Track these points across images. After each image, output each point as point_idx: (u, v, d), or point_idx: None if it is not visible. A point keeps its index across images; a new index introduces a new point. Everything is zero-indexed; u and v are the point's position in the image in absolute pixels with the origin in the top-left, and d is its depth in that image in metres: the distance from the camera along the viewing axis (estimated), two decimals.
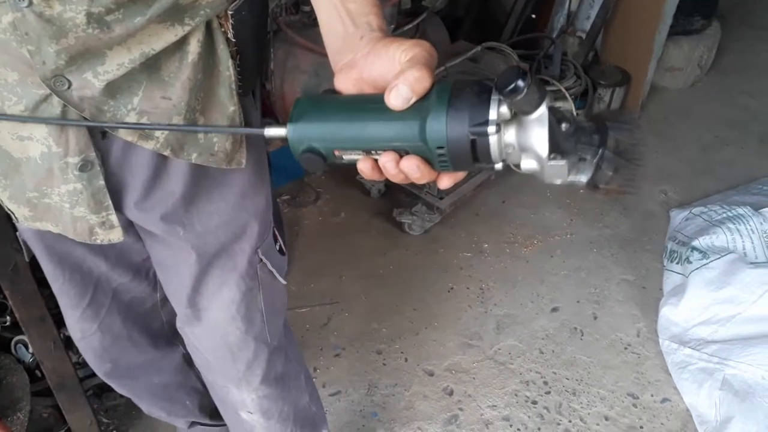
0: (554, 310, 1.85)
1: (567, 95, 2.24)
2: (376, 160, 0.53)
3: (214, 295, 0.88)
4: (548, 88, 2.36)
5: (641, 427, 1.56)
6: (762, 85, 2.87)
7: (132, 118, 0.64)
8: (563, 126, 0.49)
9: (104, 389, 1.46)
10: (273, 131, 0.56)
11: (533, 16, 2.54)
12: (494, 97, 0.48)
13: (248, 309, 0.90)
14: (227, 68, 0.68)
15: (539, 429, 1.55)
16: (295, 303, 1.80)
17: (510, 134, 0.50)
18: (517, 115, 0.49)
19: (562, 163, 0.49)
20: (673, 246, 1.93)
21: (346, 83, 0.56)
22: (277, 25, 1.90)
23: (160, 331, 1.08)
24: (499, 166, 0.52)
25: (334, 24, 0.59)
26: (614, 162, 0.49)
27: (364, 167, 0.54)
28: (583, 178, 0.50)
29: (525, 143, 0.50)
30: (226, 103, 0.70)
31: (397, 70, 0.52)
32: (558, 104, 0.50)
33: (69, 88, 0.59)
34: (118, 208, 0.73)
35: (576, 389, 1.64)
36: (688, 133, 2.57)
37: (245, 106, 0.74)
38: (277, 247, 0.94)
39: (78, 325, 0.95)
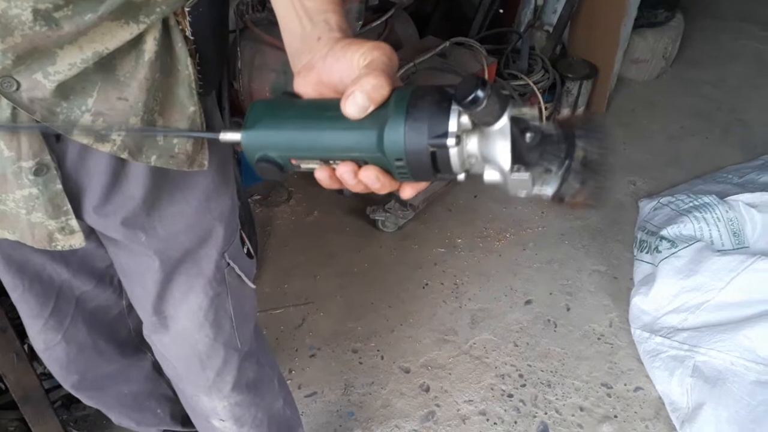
0: (528, 302, 1.86)
1: (537, 91, 2.25)
2: (334, 170, 0.51)
3: (180, 302, 0.86)
4: (515, 83, 2.35)
5: (615, 416, 1.58)
6: (725, 75, 2.94)
7: (87, 120, 0.61)
8: (527, 136, 0.47)
9: (73, 400, 1.43)
10: (228, 136, 0.53)
11: (500, 11, 2.55)
12: (455, 107, 0.46)
13: (216, 315, 0.88)
14: (186, 67, 0.66)
15: (515, 422, 1.56)
16: (268, 304, 1.77)
17: (472, 144, 0.48)
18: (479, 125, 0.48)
19: (525, 176, 0.47)
20: (642, 236, 1.96)
21: (305, 87, 0.54)
22: (243, 23, 1.87)
23: (128, 339, 1.05)
24: (461, 177, 0.50)
25: (291, 23, 0.56)
26: (581, 174, 0.47)
27: (322, 177, 0.52)
28: (549, 191, 0.49)
29: (487, 154, 0.48)
30: (186, 103, 0.68)
31: (355, 75, 0.49)
32: (523, 110, 0.48)
33: (18, 89, 0.57)
34: (78, 213, 0.70)
35: (551, 381, 1.65)
36: (655, 124, 2.61)
37: (207, 106, 0.72)
38: (245, 250, 0.92)
39: (41, 336, 0.92)
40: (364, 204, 2.09)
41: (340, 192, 2.20)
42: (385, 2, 2.24)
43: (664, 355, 1.65)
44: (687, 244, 1.75)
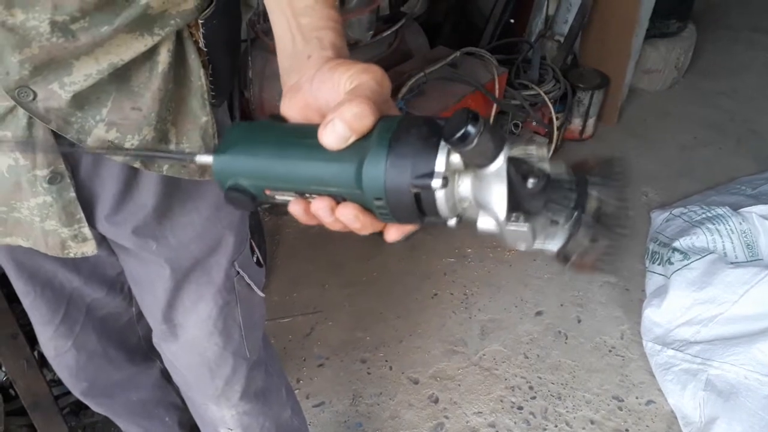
0: (538, 314, 1.85)
1: (548, 101, 2.24)
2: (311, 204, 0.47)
3: (190, 311, 0.86)
4: (525, 93, 2.32)
5: (627, 430, 1.56)
6: (738, 85, 2.91)
7: (101, 130, 0.62)
8: (530, 182, 0.40)
9: (81, 407, 1.43)
10: (203, 159, 0.48)
11: (511, 21, 2.55)
12: (444, 144, 0.40)
13: (226, 324, 0.88)
14: (199, 78, 0.67)
15: None
16: (277, 313, 1.77)
17: (465, 186, 0.42)
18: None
19: (524, 227, 0.40)
20: (654, 247, 1.94)
21: (292, 109, 0.49)
22: (255, 33, 1.88)
23: (137, 346, 1.05)
24: (452, 222, 0.44)
25: (284, 40, 0.53)
26: (593, 229, 0.40)
27: (296, 211, 0.47)
28: (553, 247, 0.41)
29: (481, 199, 0.41)
30: (199, 114, 0.68)
31: (340, 100, 0.44)
32: (529, 150, 0.41)
33: (34, 99, 0.57)
34: (90, 221, 0.71)
35: (561, 393, 1.63)
36: (667, 135, 2.60)
37: (218, 116, 0.72)
38: (255, 259, 0.92)
39: (51, 342, 0.92)
40: None
41: None
42: (395, 12, 2.25)
43: (677, 368, 1.62)
44: (700, 256, 1.73)
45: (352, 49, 2.14)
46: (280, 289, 1.87)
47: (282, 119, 0.50)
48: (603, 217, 0.41)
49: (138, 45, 0.60)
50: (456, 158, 0.41)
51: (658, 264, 1.87)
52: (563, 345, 1.76)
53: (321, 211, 0.45)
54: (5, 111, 0.59)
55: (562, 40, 2.53)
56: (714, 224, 1.84)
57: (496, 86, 2.13)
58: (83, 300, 0.91)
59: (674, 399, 1.60)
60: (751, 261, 1.78)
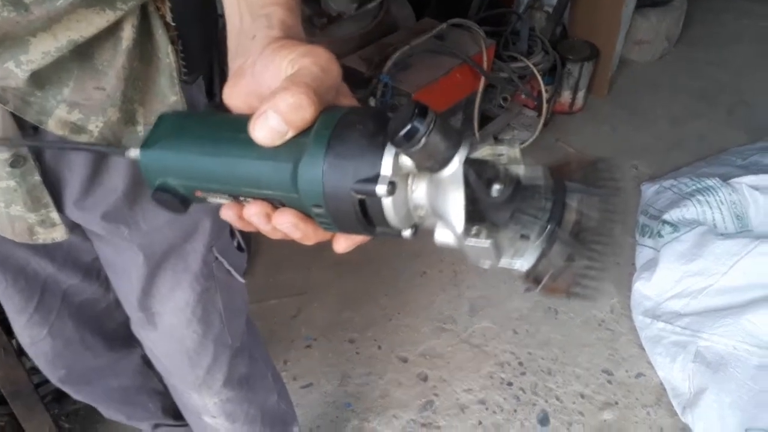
0: (528, 289, 1.83)
1: (537, 73, 2.20)
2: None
3: (167, 298, 0.83)
4: (514, 65, 2.28)
5: (616, 403, 1.56)
6: (728, 56, 2.88)
7: (62, 111, 0.59)
8: (494, 188, 0.33)
9: (63, 394, 1.40)
10: (134, 153, 0.42)
11: None
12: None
13: (205, 311, 0.86)
14: (167, 55, 0.63)
15: (515, 410, 1.54)
16: (262, 296, 1.75)
17: (420, 192, 0.36)
18: None
19: (485, 243, 0.34)
20: (644, 220, 1.92)
21: (235, 98, 0.44)
22: None
23: (116, 333, 1.03)
24: (406, 234, 0.38)
25: (233, 19, 0.47)
26: (569, 247, 0.34)
27: (229, 216, 0.42)
28: (522, 266, 0.35)
29: (437, 208, 0.36)
30: (167, 93, 0.65)
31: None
32: (498, 150, 0.34)
33: None
34: (59, 206, 0.68)
35: (551, 369, 1.63)
36: (658, 107, 2.57)
37: (192, 95, 0.69)
38: (235, 244, 0.90)
39: (26, 330, 0.90)
40: None
41: None
42: None
43: (666, 340, 1.62)
44: (689, 228, 1.72)
45: (335, 23, 2.09)
46: (265, 272, 1.84)
47: (224, 109, 0.44)
48: (582, 232, 0.34)
49: (99, 20, 0.56)
50: (406, 160, 0.35)
51: (648, 237, 1.85)
52: (553, 320, 1.75)
53: (255, 217, 0.40)
54: None
55: (551, 11, 2.48)
56: (704, 195, 1.82)
57: (484, 59, 2.09)
58: (58, 287, 0.88)
59: (664, 371, 1.59)
60: (740, 232, 1.77)
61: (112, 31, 0.58)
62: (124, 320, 1.00)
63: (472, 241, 0.34)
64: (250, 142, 0.37)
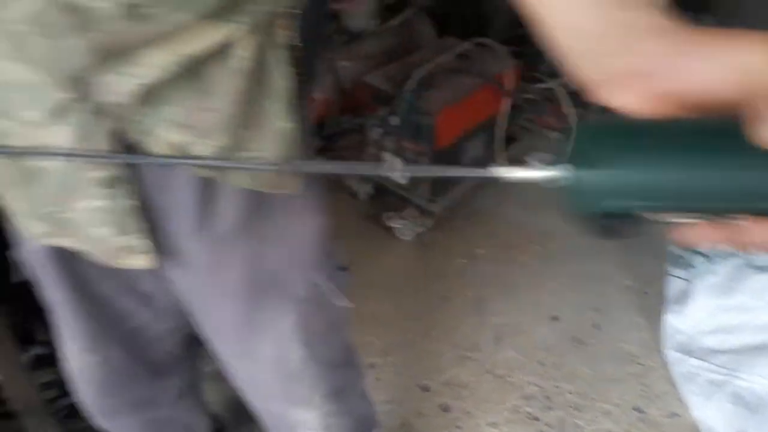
0: (554, 318, 1.77)
1: (564, 95, 2.16)
2: (728, 226, 0.36)
3: (270, 327, 0.78)
4: (540, 86, 2.25)
5: None
6: None
7: (168, 132, 0.54)
8: None
9: (75, 411, 1.36)
10: (539, 173, 0.37)
11: None
12: None
13: (308, 333, 0.80)
14: (283, 78, 0.58)
15: None
16: None
17: None
18: None
19: None
20: (676, 249, 1.86)
21: (630, 100, 0.38)
22: None
23: (159, 364, 0.97)
24: None
25: (575, 16, 0.41)
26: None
27: (699, 235, 0.37)
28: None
29: None
30: (281, 118, 0.60)
31: (752, 81, 0.33)
32: None
33: (94, 91, 0.50)
34: (156, 233, 0.63)
35: (579, 404, 1.56)
36: None
37: (302, 122, 0.63)
38: (337, 265, 0.85)
39: (77, 357, 0.84)
40: (379, 210, 2.02)
41: (355, 196, 2.12)
42: (401, 1, 2.17)
43: (701, 378, 1.55)
44: (723, 260, 1.65)
45: (356, 40, 2.06)
46: None
47: (619, 116, 0.39)
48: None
49: (215, 35, 0.51)
50: None
51: (680, 267, 1.78)
52: (580, 352, 1.68)
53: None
54: (60, 104, 0.51)
55: None
56: None
57: (509, 79, 2.05)
58: (114, 312, 0.83)
59: (698, 411, 1.52)
60: None
61: (227, 48, 0.53)
62: (170, 349, 0.95)
63: None
64: (743, 150, 0.33)
